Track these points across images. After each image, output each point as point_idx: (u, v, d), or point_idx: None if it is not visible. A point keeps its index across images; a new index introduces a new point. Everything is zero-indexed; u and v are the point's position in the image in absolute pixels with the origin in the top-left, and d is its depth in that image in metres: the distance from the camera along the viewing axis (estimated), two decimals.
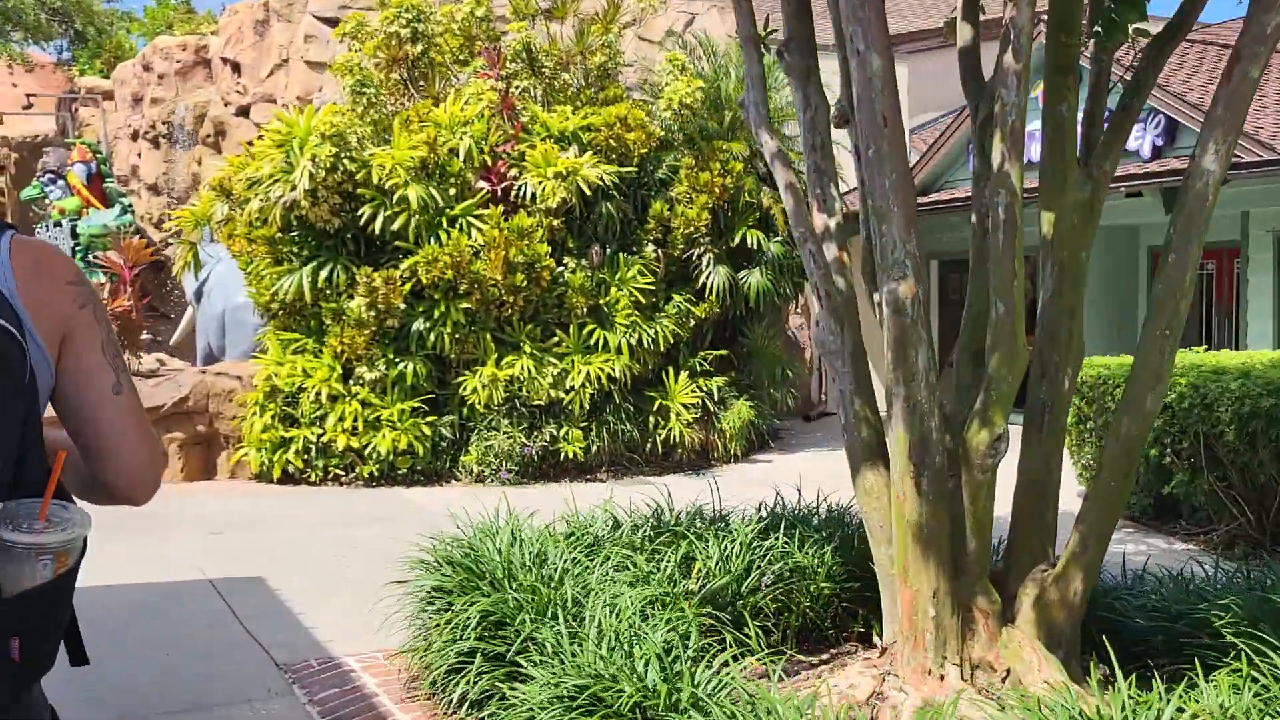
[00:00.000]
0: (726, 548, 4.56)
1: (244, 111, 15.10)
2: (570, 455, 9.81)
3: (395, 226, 9.45)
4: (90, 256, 15.52)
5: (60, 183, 16.16)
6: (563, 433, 9.86)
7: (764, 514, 5.16)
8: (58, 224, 15.90)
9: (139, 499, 1.54)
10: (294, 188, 9.28)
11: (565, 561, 4.38)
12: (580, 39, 10.96)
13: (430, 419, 9.62)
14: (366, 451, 9.40)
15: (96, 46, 21.13)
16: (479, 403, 9.65)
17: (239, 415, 9.67)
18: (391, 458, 9.42)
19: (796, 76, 4.17)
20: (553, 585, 4.13)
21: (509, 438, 9.61)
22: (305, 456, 9.45)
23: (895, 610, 3.66)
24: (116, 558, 6.41)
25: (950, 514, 3.51)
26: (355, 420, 9.39)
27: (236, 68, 15.45)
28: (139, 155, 17.35)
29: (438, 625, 4.19)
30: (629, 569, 4.31)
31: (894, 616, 3.69)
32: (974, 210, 3.99)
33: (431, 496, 9.09)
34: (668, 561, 4.40)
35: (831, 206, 4.11)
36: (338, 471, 9.53)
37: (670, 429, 10.26)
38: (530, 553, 4.47)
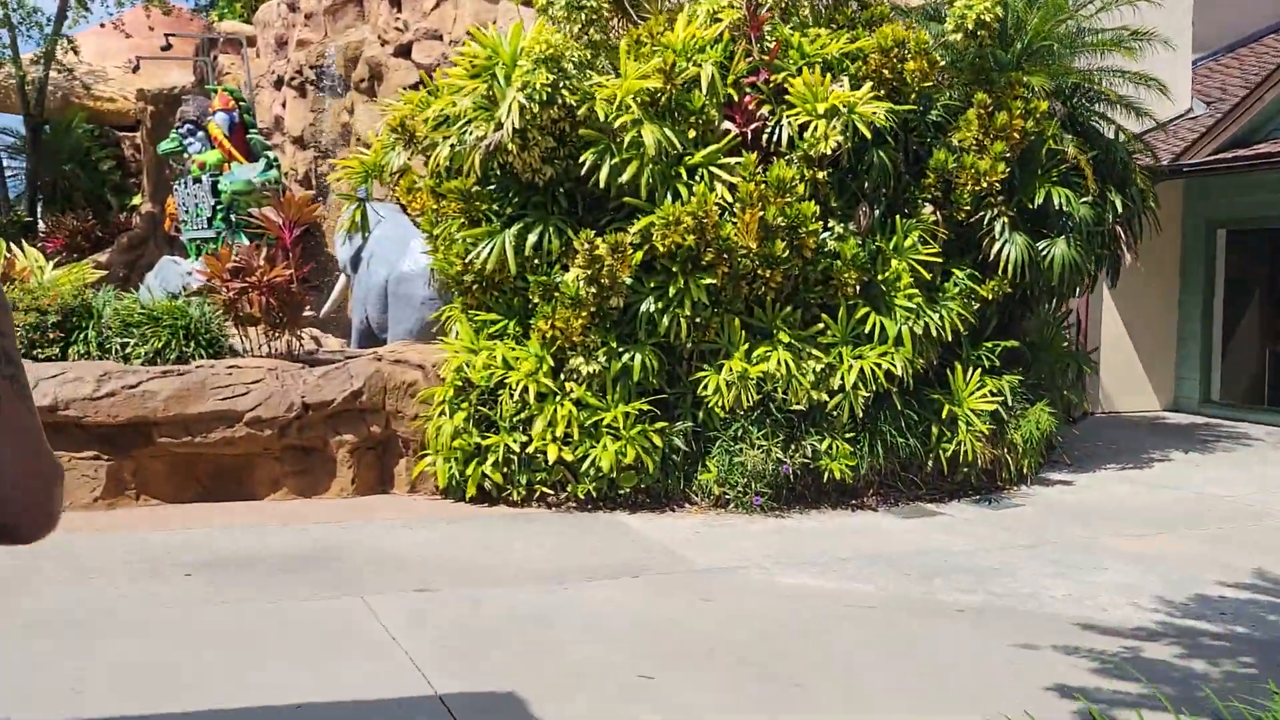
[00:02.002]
0: None
1: (404, 51, 13.17)
2: (836, 475, 7.61)
3: (624, 178, 7.33)
4: (232, 215, 13.91)
5: (200, 134, 14.54)
6: (825, 446, 7.66)
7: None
8: (197, 180, 14.31)
9: (25, 538, 1.26)
10: (499, 127, 7.23)
11: None
12: None
13: (660, 425, 7.52)
14: (583, 467, 7.35)
15: None
16: (721, 405, 7.52)
17: (422, 415, 7.73)
18: (614, 474, 7.36)
19: None
20: None
21: (762, 452, 7.45)
22: (505, 470, 7.46)
23: None
24: (294, 638, 4.47)
25: None
26: (569, 425, 7.35)
27: (396, 1, 13.54)
28: (283, 105, 15.66)
29: None
30: None
31: None
32: None
33: (671, 529, 6.99)
34: None
35: None
36: (545, 490, 7.52)
37: (959, 442, 7.96)
38: None
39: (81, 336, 7.53)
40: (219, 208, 13.92)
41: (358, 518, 7.09)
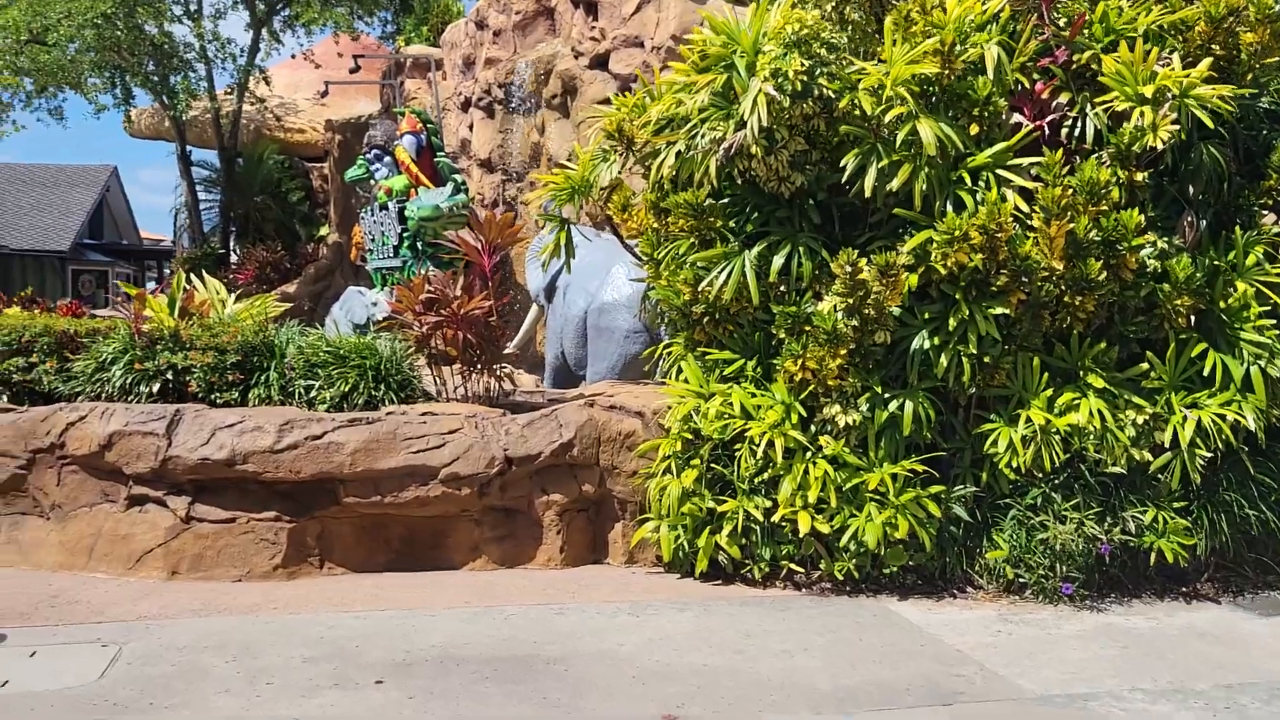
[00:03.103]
0: None
1: (600, 62, 12.17)
2: (1166, 557, 5.96)
3: (894, 184, 5.93)
4: (419, 242, 13.18)
5: (387, 159, 13.90)
6: (1150, 519, 6.02)
7: None
8: (383, 207, 13.67)
9: None
10: (740, 126, 5.96)
11: None
12: None
13: (935, 490, 6.05)
14: (842, 540, 5.96)
15: (423, 13, 19.23)
16: (1014, 465, 6.00)
17: (643, 472, 6.51)
18: (880, 550, 5.93)
19: None
20: None
21: (1071, 525, 5.88)
22: (744, 541, 6.15)
23: None
24: None
25: None
26: (824, 489, 5.97)
27: (591, 8, 12.58)
28: (469, 127, 14.98)
29: None
30: None
31: None
32: None
33: (961, 625, 5.51)
34: None
35: None
36: (793, 567, 6.15)
37: None
38: None
39: (262, 378, 6.65)
40: (406, 235, 13.20)
41: (572, 597, 5.89)
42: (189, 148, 20.96)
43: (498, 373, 7.10)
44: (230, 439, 6.13)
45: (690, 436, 6.32)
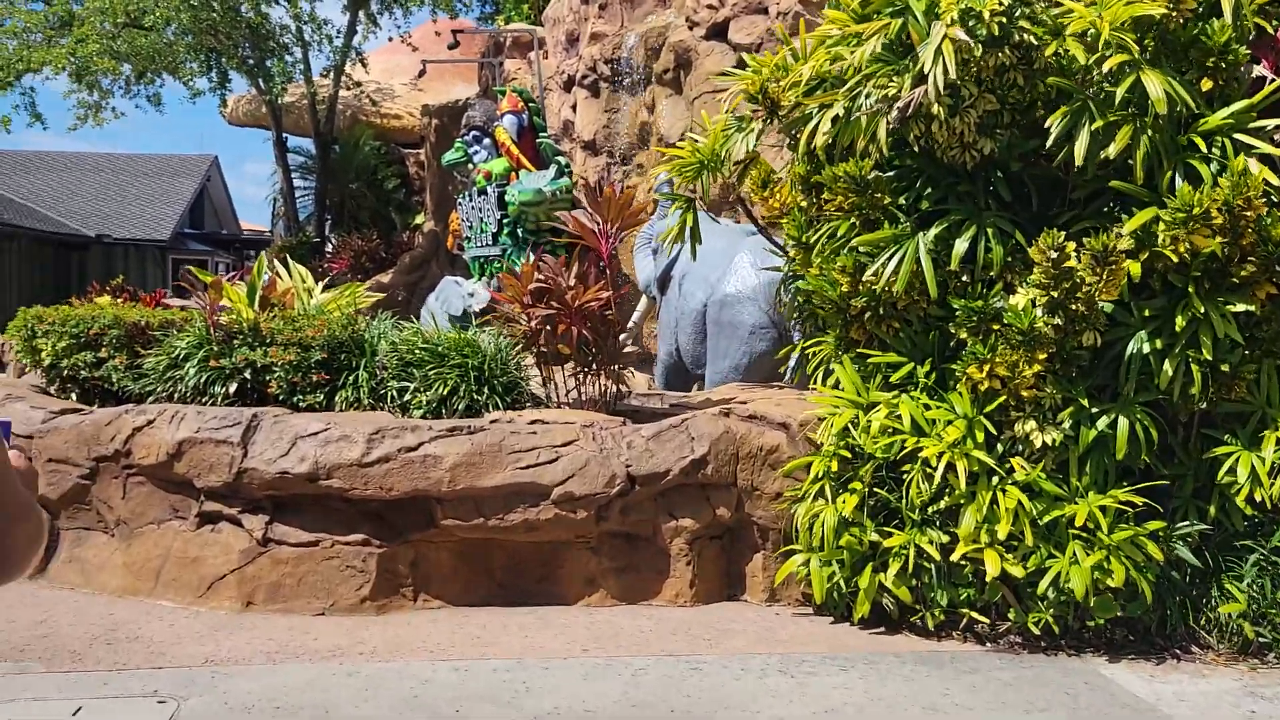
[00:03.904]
0: None
1: (718, 31, 11.14)
2: None
3: (1111, 150, 4.80)
4: (520, 229, 12.34)
5: (486, 142, 13.06)
6: None
7: None
8: (482, 191, 12.83)
9: None
10: (919, 80, 4.90)
11: None
12: None
13: (1153, 527, 4.92)
14: (1040, 586, 4.87)
15: None
16: (1260, 498, 4.84)
17: (789, 494, 5.51)
18: (1088, 599, 4.83)
19: None
20: None
21: None
22: (914, 582, 5.11)
23: None
24: None
25: None
26: (1015, 522, 4.89)
27: None
28: (573, 108, 14.10)
29: None
30: None
31: None
32: None
33: (1200, 702, 4.38)
34: None
35: None
36: (974, 615, 5.09)
37: None
38: None
39: (351, 379, 5.82)
40: (506, 221, 12.36)
41: (709, 646, 4.92)
42: (285, 135, 20.55)
43: (616, 374, 6.16)
44: (313, 449, 5.31)
45: (848, 455, 5.30)
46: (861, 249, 5.32)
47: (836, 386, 5.68)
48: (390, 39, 19.76)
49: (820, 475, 5.32)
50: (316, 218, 20.00)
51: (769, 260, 8.58)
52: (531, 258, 12.67)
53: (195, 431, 5.42)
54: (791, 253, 5.89)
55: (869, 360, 5.48)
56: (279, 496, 5.39)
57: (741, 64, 10.78)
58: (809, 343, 6.09)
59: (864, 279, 5.31)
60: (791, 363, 8.15)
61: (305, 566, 5.31)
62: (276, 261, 7.20)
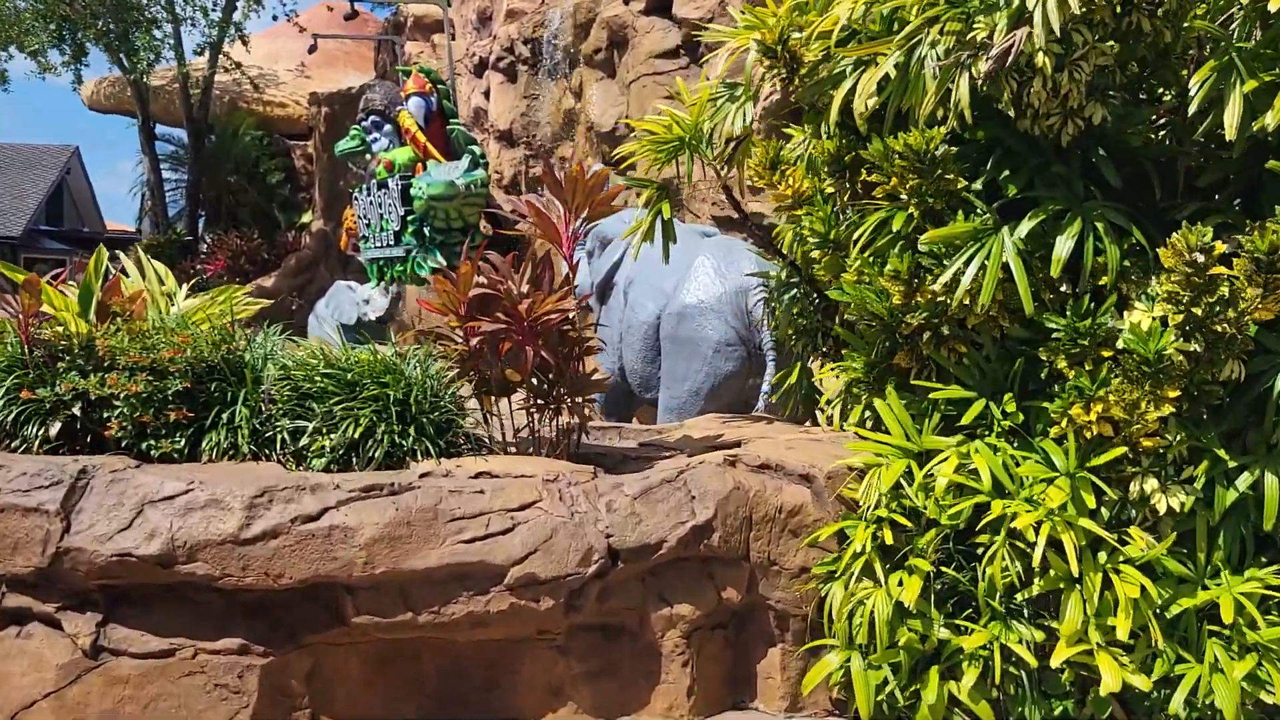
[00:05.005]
0: None
1: (660, 6, 9.80)
2: None
3: (1271, 120, 3.61)
4: (426, 227, 10.79)
5: (387, 127, 11.49)
6: None
7: None
8: (383, 184, 11.26)
9: None
10: (1016, 21, 3.63)
11: None
12: None
13: None
14: (1172, 706, 3.63)
15: None
16: None
17: (817, 570, 4.18)
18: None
19: None
20: None
21: None
22: (999, 693, 3.83)
23: None
24: None
25: None
26: (1128, 616, 3.66)
27: None
28: (485, 94, 12.62)
29: None
30: None
31: None
32: None
33: None
34: None
35: None
36: None
37: None
38: None
39: (225, 416, 4.25)
40: (411, 218, 10.79)
41: None
42: (153, 122, 18.44)
43: (581, 408, 4.73)
44: (168, 520, 3.75)
45: (902, 520, 4.00)
46: (923, 248, 4.02)
47: (869, 425, 4.40)
48: (275, 18, 17.92)
49: (862, 548, 4.00)
50: (189, 213, 17.96)
51: (733, 264, 7.29)
52: (442, 260, 11.13)
53: None
54: (818, 255, 4.54)
55: (925, 397, 4.18)
56: (117, 587, 3.81)
57: (688, 41, 9.46)
58: (829, 369, 4.78)
59: (925, 288, 4.01)
60: (766, 387, 6.89)
61: (155, 687, 3.73)
62: (126, 259, 5.54)
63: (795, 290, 5.46)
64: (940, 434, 4.13)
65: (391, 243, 11.20)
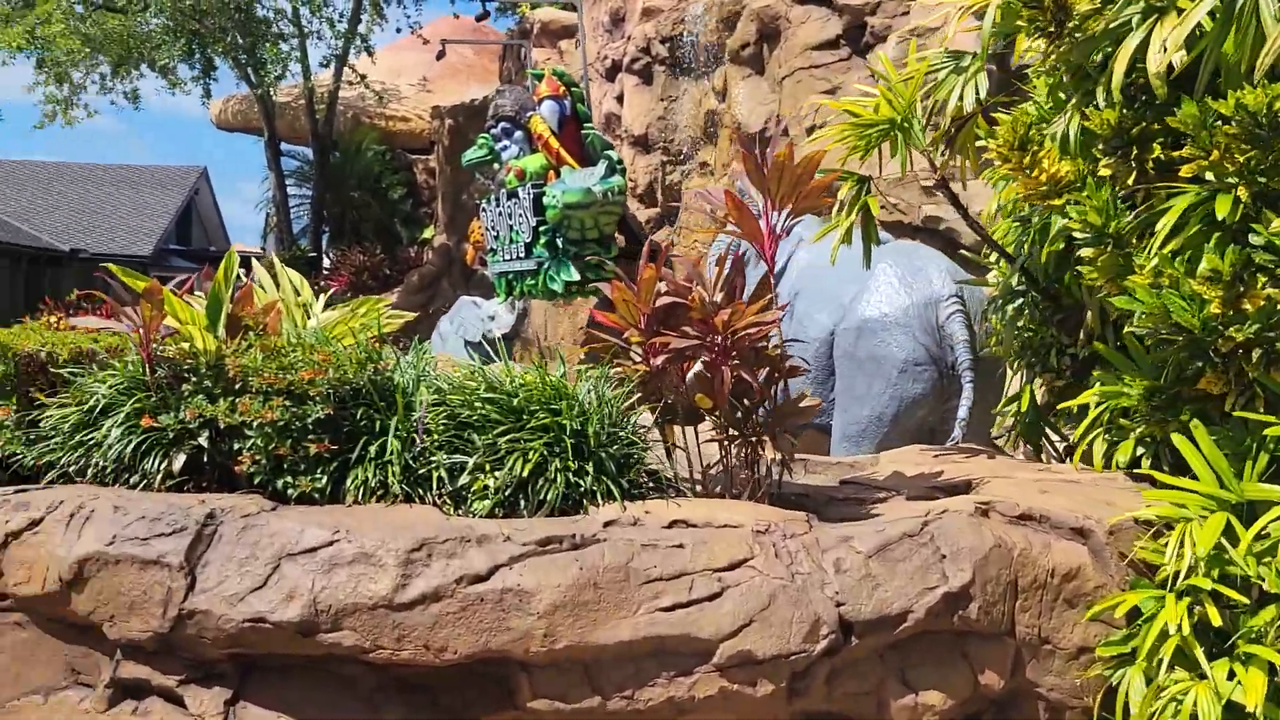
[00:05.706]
0: None
1: None
2: None
3: None
4: (560, 238, 10.14)
5: (518, 134, 10.83)
6: None
7: None
8: (513, 194, 10.63)
9: None
10: None
11: None
12: None
13: None
14: None
15: None
16: None
17: (1107, 649, 3.29)
18: None
19: None
20: None
21: None
22: None
23: None
24: None
25: None
26: None
27: None
28: (618, 99, 11.98)
29: None
30: None
31: None
32: None
33: None
34: None
35: None
36: None
37: None
38: None
39: (374, 449, 3.57)
40: (543, 229, 10.15)
41: None
42: (279, 139, 18.39)
43: (789, 443, 3.93)
44: (310, 577, 3.08)
45: (1230, 592, 3.09)
46: (1257, 242, 3.11)
47: (1148, 465, 3.50)
48: (399, 30, 17.70)
49: (1177, 627, 3.10)
50: (313, 230, 17.82)
51: (920, 273, 6.44)
52: (574, 275, 10.45)
53: (108, 542, 3.18)
54: (1095, 255, 3.63)
55: (1239, 428, 3.27)
56: (250, 657, 3.15)
57: (850, 29, 8.60)
58: (1091, 393, 3.88)
59: (1257, 292, 3.09)
60: (963, 414, 6.01)
61: None
62: (259, 267, 4.96)
63: (1022, 299, 4.59)
64: (1269, 481, 3.21)
65: (522, 255, 10.57)
